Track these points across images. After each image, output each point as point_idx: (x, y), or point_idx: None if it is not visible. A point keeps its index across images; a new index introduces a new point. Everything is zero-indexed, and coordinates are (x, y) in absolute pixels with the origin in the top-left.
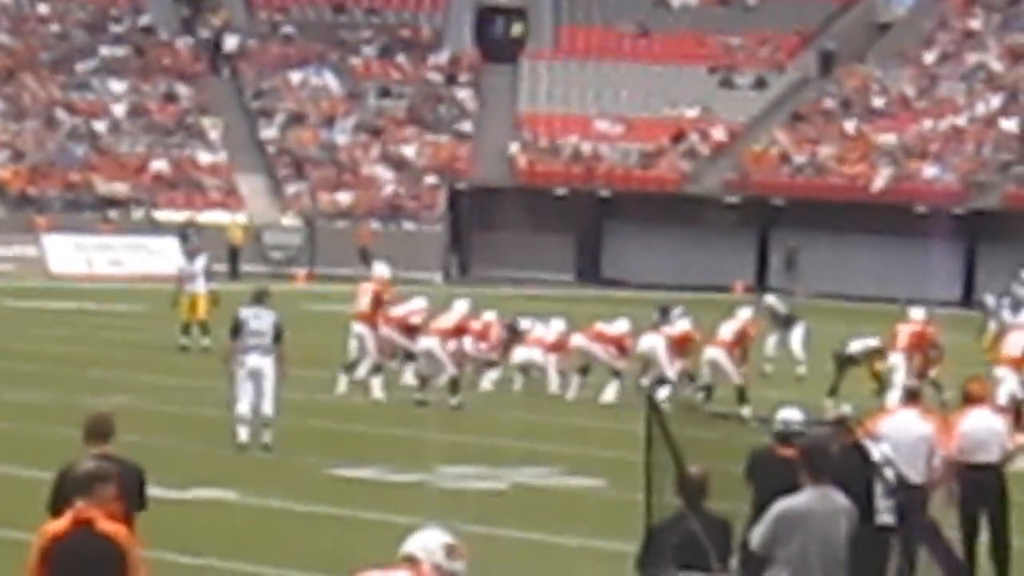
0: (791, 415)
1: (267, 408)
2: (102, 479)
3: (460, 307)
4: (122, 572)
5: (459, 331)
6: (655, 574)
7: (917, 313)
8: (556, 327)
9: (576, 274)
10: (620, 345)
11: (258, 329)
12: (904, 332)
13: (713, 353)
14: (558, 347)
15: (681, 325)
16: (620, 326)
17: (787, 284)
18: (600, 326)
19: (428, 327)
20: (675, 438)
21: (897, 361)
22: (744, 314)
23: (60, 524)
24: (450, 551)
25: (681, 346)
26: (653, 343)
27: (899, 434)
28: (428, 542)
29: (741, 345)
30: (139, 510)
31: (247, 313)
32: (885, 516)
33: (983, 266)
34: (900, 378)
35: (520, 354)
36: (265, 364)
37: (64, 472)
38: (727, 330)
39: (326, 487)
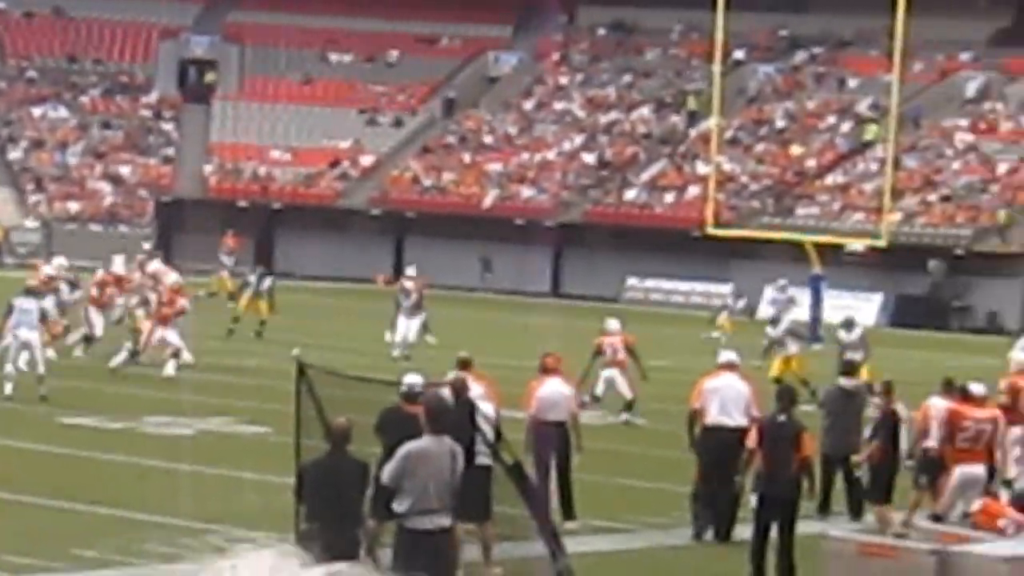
0: (414, 379)
1: (40, 368)
2: None
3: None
4: None
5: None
6: (303, 502)
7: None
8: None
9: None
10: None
11: (27, 309)
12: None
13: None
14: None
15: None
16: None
17: (483, 283)
18: None
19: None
20: (319, 397)
21: None
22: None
23: None
24: None
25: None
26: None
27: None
28: None
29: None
30: None
31: (19, 301)
32: (483, 459)
33: (567, 266)
34: None
35: None
36: (32, 336)
37: None
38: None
39: (57, 432)
